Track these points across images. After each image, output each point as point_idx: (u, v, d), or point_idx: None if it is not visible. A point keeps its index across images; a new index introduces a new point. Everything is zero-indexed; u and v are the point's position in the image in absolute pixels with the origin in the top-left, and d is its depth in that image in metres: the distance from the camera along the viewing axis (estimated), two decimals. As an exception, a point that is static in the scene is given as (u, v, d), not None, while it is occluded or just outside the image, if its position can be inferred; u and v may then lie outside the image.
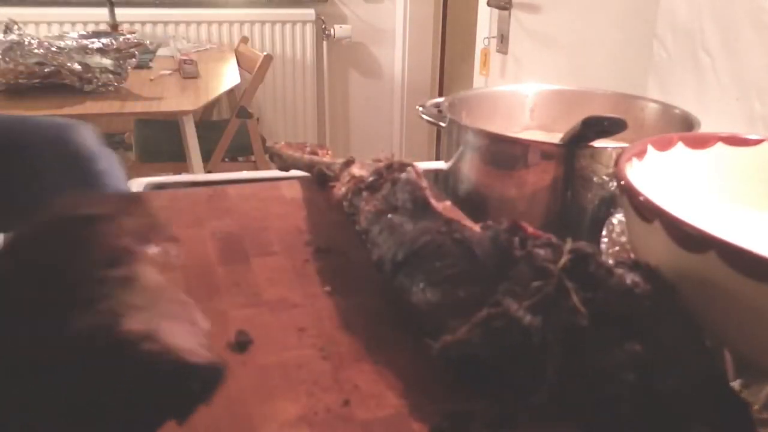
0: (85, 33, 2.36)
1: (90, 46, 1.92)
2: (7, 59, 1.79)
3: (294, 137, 2.97)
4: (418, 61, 3.13)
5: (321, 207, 0.64)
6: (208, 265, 0.50)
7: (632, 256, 0.43)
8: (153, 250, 0.30)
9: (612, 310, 0.32)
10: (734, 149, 0.46)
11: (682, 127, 0.66)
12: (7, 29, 1.95)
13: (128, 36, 2.44)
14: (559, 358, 0.32)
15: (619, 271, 0.33)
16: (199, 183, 0.75)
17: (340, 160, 0.63)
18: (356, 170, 0.57)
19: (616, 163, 0.40)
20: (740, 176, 0.46)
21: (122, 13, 2.63)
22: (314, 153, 0.69)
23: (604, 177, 0.58)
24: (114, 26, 2.56)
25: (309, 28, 2.96)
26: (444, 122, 0.69)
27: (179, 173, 2.16)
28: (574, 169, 0.58)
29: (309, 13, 2.94)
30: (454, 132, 0.67)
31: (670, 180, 0.44)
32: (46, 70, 1.84)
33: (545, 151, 0.59)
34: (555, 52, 1.60)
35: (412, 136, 3.23)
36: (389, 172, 0.53)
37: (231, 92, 2.47)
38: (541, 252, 0.34)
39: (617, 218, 0.52)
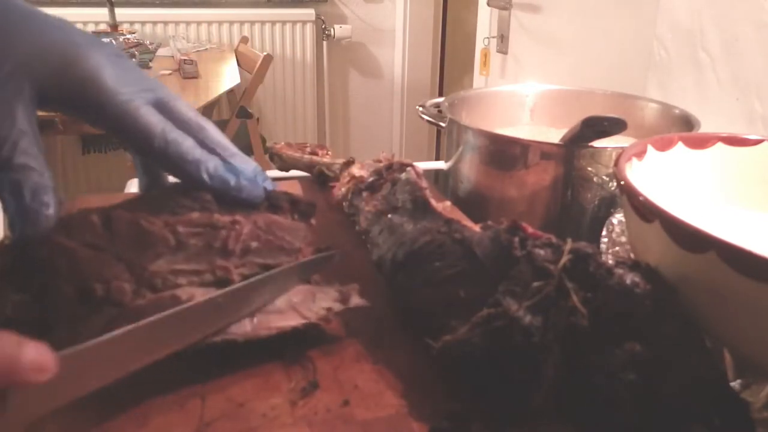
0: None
1: (90, 46, 1.92)
2: (7, 59, 1.79)
3: (294, 137, 2.97)
4: (418, 61, 3.13)
5: (321, 207, 0.64)
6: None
7: (632, 256, 0.43)
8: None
9: (612, 310, 0.32)
10: (734, 149, 0.46)
11: (682, 127, 0.66)
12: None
13: (128, 36, 2.45)
14: (559, 358, 0.32)
15: (619, 271, 0.33)
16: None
17: (340, 161, 0.63)
18: (356, 170, 0.57)
19: (616, 163, 0.40)
20: (740, 176, 0.46)
21: (122, 13, 2.64)
22: (314, 153, 0.69)
23: (604, 177, 0.58)
24: (114, 26, 2.56)
25: (309, 28, 2.96)
26: (444, 122, 0.69)
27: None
28: (574, 169, 0.58)
29: (309, 13, 2.94)
30: (454, 132, 0.67)
31: (670, 180, 0.44)
32: (46, 70, 1.84)
33: (545, 151, 0.59)
34: (555, 52, 1.60)
35: (412, 136, 3.23)
36: (389, 173, 0.53)
37: (231, 92, 2.47)
38: (541, 252, 0.34)
39: (617, 218, 0.52)
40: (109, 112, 0.36)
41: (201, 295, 0.37)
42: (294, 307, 0.39)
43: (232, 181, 0.39)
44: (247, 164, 0.41)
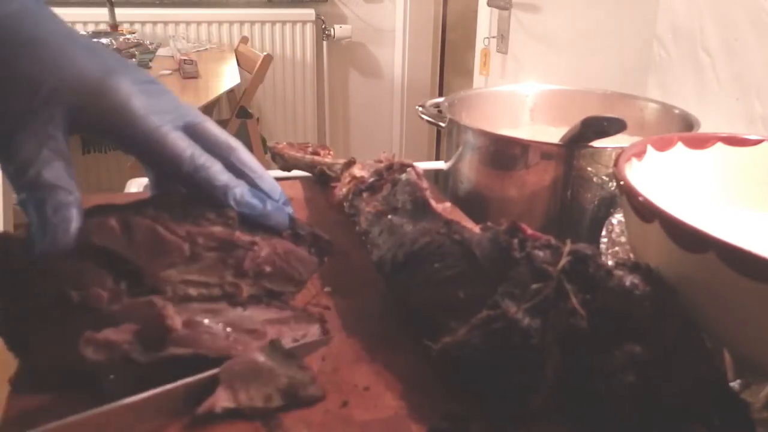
0: (85, 33, 2.35)
1: (90, 46, 1.92)
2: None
3: (294, 137, 2.97)
4: (418, 61, 3.12)
5: (322, 207, 0.64)
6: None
7: (632, 256, 0.43)
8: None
9: (611, 311, 0.32)
10: (734, 149, 0.46)
11: (682, 127, 0.66)
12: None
13: (128, 36, 2.45)
14: (558, 360, 0.32)
15: (619, 272, 0.33)
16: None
17: (342, 161, 0.63)
18: (357, 171, 0.57)
19: (616, 163, 0.40)
20: (740, 176, 0.46)
21: (122, 13, 2.63)
22: (316, 153, 0.69)
23: (604, 177, 0.58)
24: (114, 26, 2.56)
25: (309, 28, 2.96)
26: (444, 122, 0.69)
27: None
28: (574, 169, 0.58)
29: (309, 13, 2.94)
30: (454, 132, 0.67)
31: (669, 180, 0.44)
32: (46, 70, 1.83)
33: (545, 151, 0.59)
34: (555, 52, 1.60)
35: (412, 136, 3.23)
36: (389, 173, 0.53)
37: (231, 92, 2.47)
38: (541, 254, 0.34)
39: (617, 218, 0.52)
40: (138, 139, 0.37)
41: (175, 306, 0.37)
42: (231, 384, 0.35)
43: (259, 207, 0.40)
44: (274, 188, 0.42)
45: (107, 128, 0.37)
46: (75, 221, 0.34)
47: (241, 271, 0.39)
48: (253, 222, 0.40)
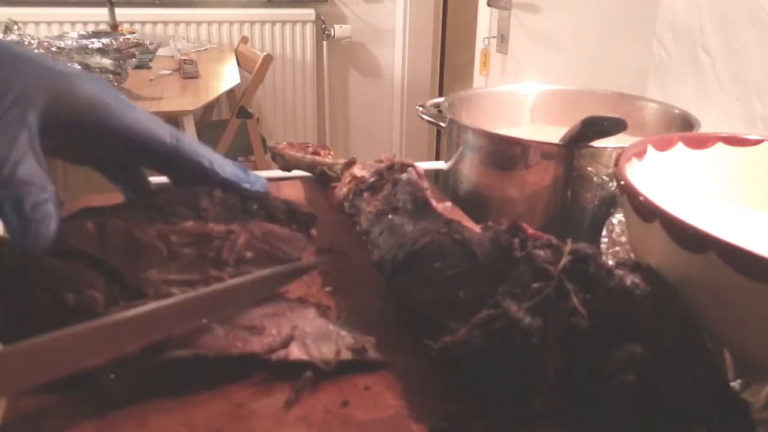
0: (85, 33, 2.35)
1: (90, 46, 1.92)
2: (7, 59, 1.79)
3: (294, 137, 2.97)
4: (418, 61, 3.13)
5: (322, 207, 0.64)
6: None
7: (632, 256, 0.43)
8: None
9: (612, 311, 0.32)
10: (734, 149, 0.46)
11: (682, 127, 0.66)
12: (7, 29, 1.95)
13: (128, 36, 2.44)
14: (559, 359, 0.32)
15: (620, 272, 0.33)
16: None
17: (342, 161, 0.63)
18: (357, 171, 0.57)
19: (616, 163, 0.40)
20: (740, 176, 0.46)
21: (122, 13, 2.63)
22: (316, 153, 0.69)
23: (604, 177, 0.58)
24: (114, 26, 2.56)
25: (309, 28, 2.96)
26: (444, 122, 0.69)
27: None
28: (574, 169, 0.58)
29: (309, 13, 2.94)
30: (454, 132, 0.67)
31: (670, 180, 0.44)
32: (46, 70, 1.83)
33: (545, 151, 0.59)
34: (555, 52, 1.60)
35: (412, 136, 3.23)
36: (390, 173, 0.53)
37: (231, 92, 2.47)
38: (541, 253, 0.34)
39: (617, 218, 0.52)
40: (116, 123, 0.38)
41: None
42: (303, 341, 0.38)
43: (244, 176, 0.41)
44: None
45: (84, 118, 0.37)
46: (54, 217, 0.34)
47: (220, 261, 0.39)
48: (241, 192, 0.41)
